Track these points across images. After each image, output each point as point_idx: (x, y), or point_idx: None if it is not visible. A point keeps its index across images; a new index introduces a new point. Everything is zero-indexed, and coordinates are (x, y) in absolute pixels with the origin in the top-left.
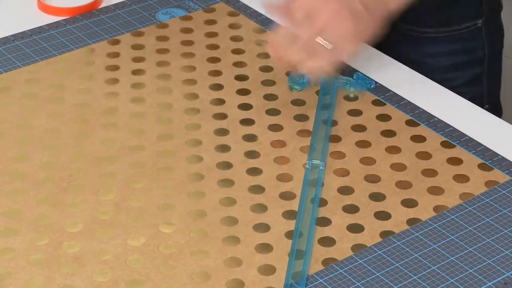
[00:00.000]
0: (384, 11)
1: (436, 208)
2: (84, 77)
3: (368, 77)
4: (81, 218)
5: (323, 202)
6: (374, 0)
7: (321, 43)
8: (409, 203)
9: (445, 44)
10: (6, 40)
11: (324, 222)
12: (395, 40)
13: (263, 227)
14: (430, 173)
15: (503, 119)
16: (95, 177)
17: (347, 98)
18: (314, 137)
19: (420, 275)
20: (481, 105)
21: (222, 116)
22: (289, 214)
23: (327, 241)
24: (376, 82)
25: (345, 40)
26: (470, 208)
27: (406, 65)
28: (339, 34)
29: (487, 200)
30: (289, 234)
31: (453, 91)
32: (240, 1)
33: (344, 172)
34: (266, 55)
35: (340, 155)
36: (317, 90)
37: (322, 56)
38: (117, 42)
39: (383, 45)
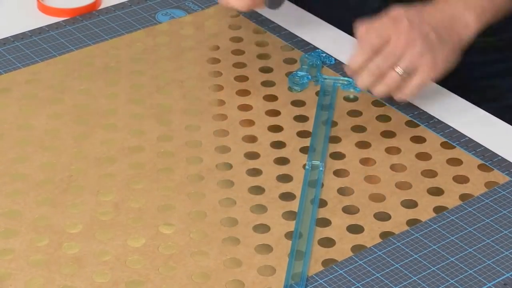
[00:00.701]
0: (457, 43)
1: (436, 209)
2: (84, 78)
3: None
4: (81, 219)
5: (323, 203)
6: (447, 32)
7: (399, 72)
8: (409, 204)
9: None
10: (6, 41)
11: (324, 223)
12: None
13: (263, 228)
14: (430, 173)
15: None
16: (95, 178)
17: (347, 98)
18: (314, 138)
19: (420, 276)
20: None
21: (222, 117)
22: (289, 215)
23: (327, 242)
24: None
25: (422, 71)
26: (470, 209)
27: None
28: (416, 64)
29: (487, 201)
30: (289, 235)
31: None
32: None
33: (344, 173)
34: (265, 56)
35: (340, 155)
36: (317, 91)
37: (397, 84)
38: (116, 43)
39: None
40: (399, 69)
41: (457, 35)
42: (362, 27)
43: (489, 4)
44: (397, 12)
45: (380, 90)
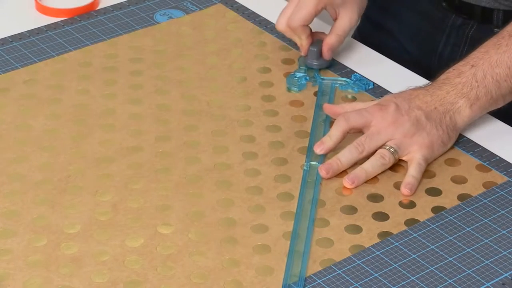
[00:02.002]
0: (451, 126)
1: (434, 209)
2: (82, 78)
3: (366, 78)
4: (79, 219)
5: (321, 203)
6: (438, 116)
7: (389, 149)
8: (407, 204)
9: None
10: (4, 41)
11: (322, 223)
12: None
13: (261, 228)
14: (428, 174)
15: None
16: (93, 178)
17: (345, 99)
18: (312, 138)
19: (418, 275)
20: None
21: (220, 117)
22: (287, 215)
23: (325, 242)
24: (374, 83)
25: (414, 150)
26: (468, 209)
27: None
28: (406, 143)
29: (485, 201)
30: (287, 235)
31: None
32: (237, 2)
33: (342, 173)
34: (264, 56)
35: None
36: (315, 91)
37: (389, 160)
38: (115, 43)
39: None
40: (388, 147)
41: (450, 118)
42: (344, 111)
43: (485, 93)
44: (385, 99)
45: (375, 165)
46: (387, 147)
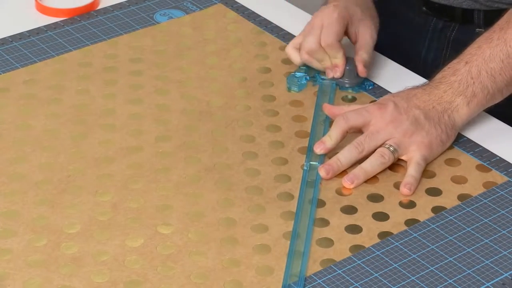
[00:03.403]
0: (449, 125)
1: (434, 209)
2: (82, 78)
3: (366, 78)
4: (79, 219)
5: (321, 203)
6: (437, 114)
7: (389, 148)
8: (407, 204)
9: None
10: (4, 41)
11: (322, 223)
12: None
13: (261, 228)
14: (428, 174)
15: None
16: (93, 178)
17: (345, 99)
18: (312, 138)
19: (418, 275)
20: None
21: (220, 117)
22: (287, 215)
23: (325, 242)
24: (374, 83)
25: (413, 149)
26: (468, 209)
27: None
28: (406, 142)
29: (485, 201)
30: (287, 235)
31: None
32: (238, 2)
33: (342, 173)
34: (264, 57)
35: None
36: (315, 91)
37: (389, 159)
38: (115, 43)
39: None
40: (388, 145)
41: (448, 116)
42: (343, 111)
43: (481, 89)
44: (384, 98)
45: (374, 165)
46: (387, 146)
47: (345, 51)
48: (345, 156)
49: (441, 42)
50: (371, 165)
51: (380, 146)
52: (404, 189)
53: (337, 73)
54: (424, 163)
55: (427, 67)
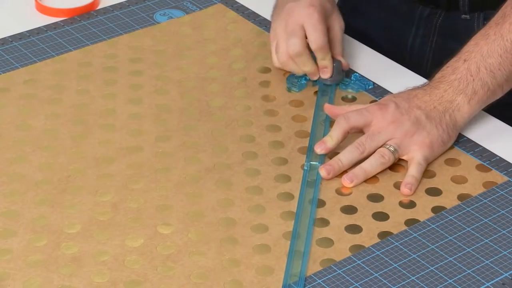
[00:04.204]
0: (451, 124)
1: (434, 209)
2: (82, 78)
3: (366, 78)
4: (79, 219)
5: (321, 203)
6: (438, 115)
7: (390, 149)
8: (407, 204)
9: None
10: (4, 41)
11: (322, 223)
12: None
13: (261, 228)
14: (428, 174)
15: None
16: (93, 178)
17: (345, 99)
18: (312, 138)
19: (418, 275)
20: None
21: (220, 117)
22: (287, 215)
23: (325, 242)
24: (374, 83)
25: (414, 149)
26: (468, 209)
27: None
28: (406, 142)
29: (485, 201)
30: (287, 235)
31: None
32: (238, 2)
33: (342, 173)
34: (264, 56)
35: None
36: (315, 91)
37: (389, 159)
38: (115, 43)
39: None
40: (388, 145)
41: (450, 116)
42: (344, 112)
43: (481, 85)
44: (385, 98)
45: (374, 165)
46: (387, 146)
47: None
48: (346, 156)
49: (428, 29)
50: (371, 165)
51: (381, 146)
52: (404, 189)
53: (328, 74)
54: (425, 163)
55: (413, 54)
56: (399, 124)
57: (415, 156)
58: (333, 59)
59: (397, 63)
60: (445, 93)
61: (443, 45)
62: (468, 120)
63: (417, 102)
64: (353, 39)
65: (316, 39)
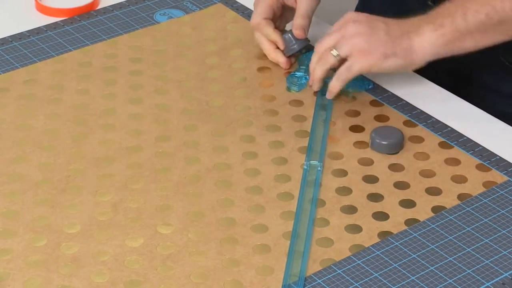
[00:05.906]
0: (408, 51)
1: (434, 209)
2: (82, 78)
3: (366, 77)
4: (79, 219)
5: (321, 203)
6: (399, 33)
7: (333, 54)
8: (407, 204)
9: None
10: (3, 41)
11: (322, 222)
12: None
13: (261, 228)
14: (428, 173)
15: None
16: (93, 178)
17: (345, 98)
18: (312, 138)
19: (418, 275)
20: None
21: (220, 117)
22: (287, 215)
23: (325, 242)
24: (374, 83)
25: (355, 56)
26: (468, 209)
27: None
28: (351, 48)
29: (485, 200)
30: (287, 235)
31: None
32: (238, 2)
33: (342, 173)
34: (264, 56)
35: (338, 155)
36: (315, 91)
37: (330, 64)
38: (115, 43)
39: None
40: (333, 51)
41: (409, 37)
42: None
43: (450, 22)
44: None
45: (317, 71)
46: (333, 53)
47: (274, 26)
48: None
49: None
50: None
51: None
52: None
53: (279, 46)
54: (358, 72)
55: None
56: (356, 26)
57: (352, 62)
58: (285, 31)
59: None
60: (416, 19)
61: None
62: (426, 52)
63: (387, 20)
64: None
65: (253, 15)
